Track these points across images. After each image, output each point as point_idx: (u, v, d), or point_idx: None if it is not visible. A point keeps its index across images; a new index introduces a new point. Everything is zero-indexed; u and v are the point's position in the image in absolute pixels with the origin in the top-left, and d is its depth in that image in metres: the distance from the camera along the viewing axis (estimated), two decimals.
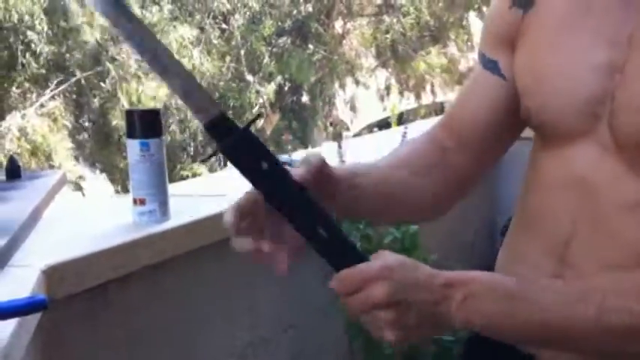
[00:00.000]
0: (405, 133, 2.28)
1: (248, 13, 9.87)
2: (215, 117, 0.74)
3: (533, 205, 0.94)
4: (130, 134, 1.38)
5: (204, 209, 1.50)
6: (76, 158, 9.03)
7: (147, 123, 1.39)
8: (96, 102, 9.03)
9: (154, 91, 8.68)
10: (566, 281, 0.85)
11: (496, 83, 0.94)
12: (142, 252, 1.32)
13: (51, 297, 1.10)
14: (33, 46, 8.02)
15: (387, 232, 1.81)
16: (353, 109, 12.28)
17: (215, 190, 1.64)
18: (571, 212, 0.86)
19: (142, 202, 1.39)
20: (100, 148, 9.33)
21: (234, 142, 0.75)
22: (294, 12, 10.40)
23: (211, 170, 9.45)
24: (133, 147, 1.37)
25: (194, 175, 9.01)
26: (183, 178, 8.87)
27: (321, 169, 0.82)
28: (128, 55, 8.71)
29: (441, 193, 0.98)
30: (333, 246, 0.77)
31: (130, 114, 1.43)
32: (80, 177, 8.73)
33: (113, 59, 8.71)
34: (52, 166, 8.15)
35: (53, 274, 1.12)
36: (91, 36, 8.29)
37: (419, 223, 1.22)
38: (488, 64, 0.95)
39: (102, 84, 8.81)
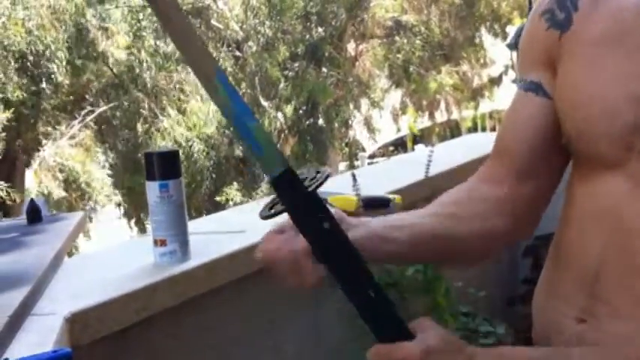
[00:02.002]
0: (430, 159, 2.22)
1: (261, 39, 9.95)
2: (281, 173, 0.74)
3: (565, 237, 0.93)
4: (149, 176, 1.39)
5: (223, 247, 1.50)
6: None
7: (165, 164, 1.40)
8: (123, 132, 9.15)
9: (179, 123, 8.78)
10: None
11: (542, 103, 0.92)
12: (164, 294, 1.32)
13: (74, 345, 1.10)
14: (53, 77, 8.15)
15: (409, 264, 1.79)
16: (368, 129, 12.31)
17: (233, 227, 1.64)
18: (600, 245, 0.85)
19: (163, 242, 1.39)
20: (126, 178, 9.43)
21: (298, 200, 0.75)
22: (307, 36, 10.48)
23: (245, 194, 9.52)
24: (153, 188, 1.38)
25: (227, 200, 9.07)
26: (218, 204, 8.93)
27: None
28: (146, 85, 8.83)
29: (509, 230, 0.95)
30: (379, 313, 0.78)
31: (148, 156, 1.42)
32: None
33: (139, 89, 8.83)
34: (88, 197, 8.24)
35: (77, 322, 1.13)
36: (114, 66, 8.41)
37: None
38: (530, 85, 0.94)
39: (127, 115, 8.94)
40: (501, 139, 0.99)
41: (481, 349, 0.82)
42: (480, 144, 3.07)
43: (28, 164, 8.61)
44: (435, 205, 0.95)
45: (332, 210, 0.82)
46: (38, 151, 8.57)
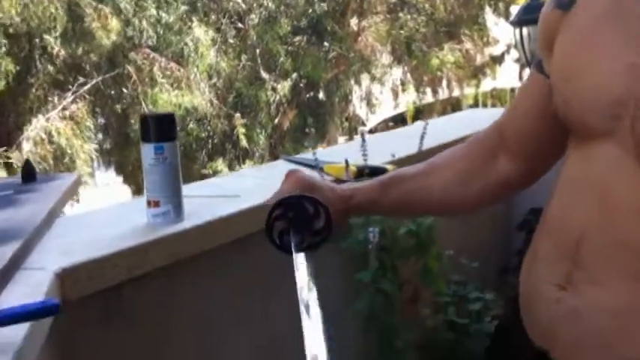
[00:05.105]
0: (425, 133, 2.22)
1: (264, 12, 9.87)
2: None
3: (552, 202, 0.94)
4: (145, 138, 1.39)
5: (217, 210, 1.51)
6: (93, 159, 9.13)
7: (161, 127, 1.40)
8: (115, 104, 9.11)
9: (172, 96, 8.74)
10: None
11: (542, 82, 0.97)
12: (156, 253, 1.33)
13: (64, 299, 1.11)
14: (49, 49, 8.09)
15: (401, 224, 1.79)
16: (369, 104, 12.27)
17: (228, 191, 1.65)
18: (583, 213, 0.85)
19: (156, 204, 1.40)
20: (119, 150, 9.41)
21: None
22: (310, 11, 10.39)
23: (230, 168, 9.55)
24: (148, 151, 1.38)
25: (214, 173, 9.10)
26: (203, 177, 8.97)
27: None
28: (145, 59, 8.78)
29: (482, 197, 1.05)
30: None
31: (144, 119, 1.43)
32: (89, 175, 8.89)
33: (132, 62, 8.77)
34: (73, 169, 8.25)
35: (67, 277, 1.14)
36: (107, 39, 8.33)
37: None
38: (537, 63, 0.99)
39: (123, 89, 8.89)
40: (507, 110, 1.07)
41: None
42: (480, 119, 3.06)
43: (21, 135, 8.60)
44: (438, 157, 1.09)
45: (326, 178, 0.90)
46: (30, 123, 8.56)
